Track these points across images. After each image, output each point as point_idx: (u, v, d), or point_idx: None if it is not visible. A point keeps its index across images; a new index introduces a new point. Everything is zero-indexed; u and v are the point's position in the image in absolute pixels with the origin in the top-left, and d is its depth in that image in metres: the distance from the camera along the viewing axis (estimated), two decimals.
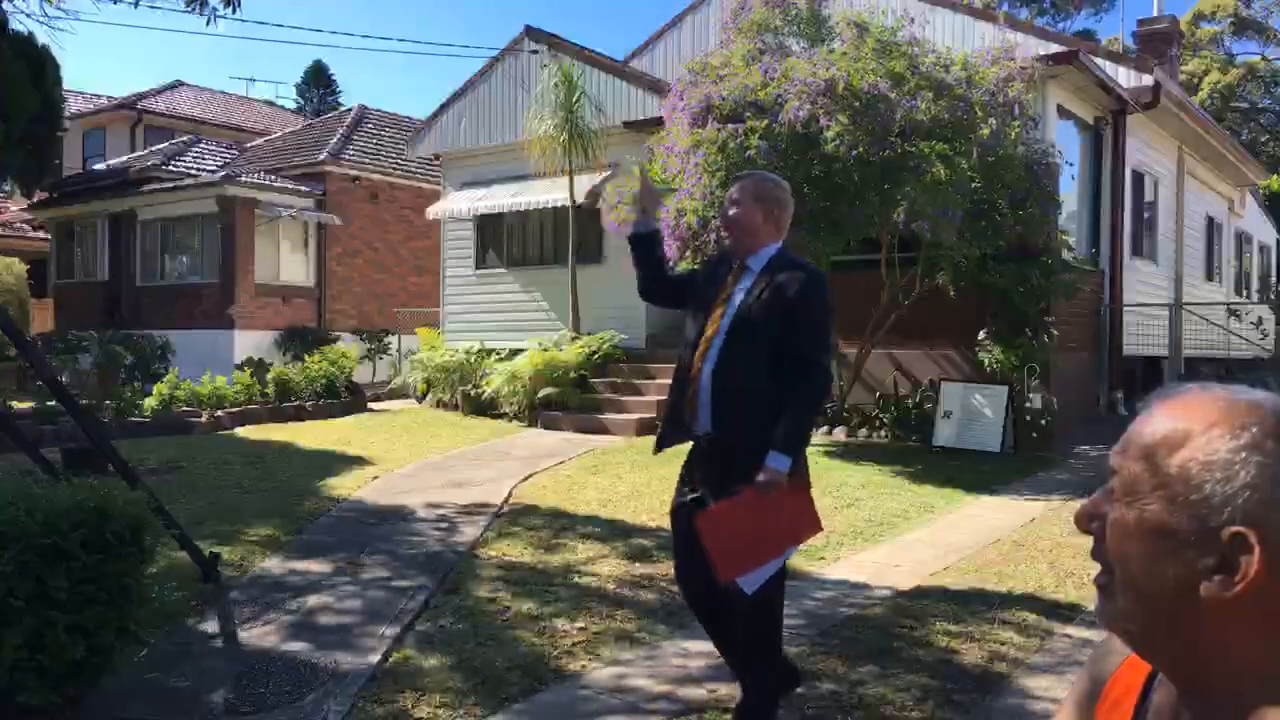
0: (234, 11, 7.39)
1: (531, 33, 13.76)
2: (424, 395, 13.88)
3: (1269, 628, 0.85)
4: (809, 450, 3.39)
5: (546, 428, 11.39)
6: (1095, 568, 0.95)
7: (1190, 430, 0.88)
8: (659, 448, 3.43)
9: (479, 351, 13.25)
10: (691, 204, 8.81)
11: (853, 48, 8.92)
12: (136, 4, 7.75)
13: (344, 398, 13.44)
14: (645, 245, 3.56)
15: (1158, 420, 0.91)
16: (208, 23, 7.35)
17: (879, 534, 6.33)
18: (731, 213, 3.29)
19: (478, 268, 14.74)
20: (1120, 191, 11.89)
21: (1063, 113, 10.92)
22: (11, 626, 3.08)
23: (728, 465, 3.14)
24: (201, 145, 20.24)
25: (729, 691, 3.68)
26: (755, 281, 3.22)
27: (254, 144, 21.52)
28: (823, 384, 3.16)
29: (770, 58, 9.15)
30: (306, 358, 14.44)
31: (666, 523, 6.52)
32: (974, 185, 8.51)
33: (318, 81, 40.92)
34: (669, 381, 13.15)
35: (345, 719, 3.49)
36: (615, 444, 10.04)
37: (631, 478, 8.03)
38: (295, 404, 12.74)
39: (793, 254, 3.36)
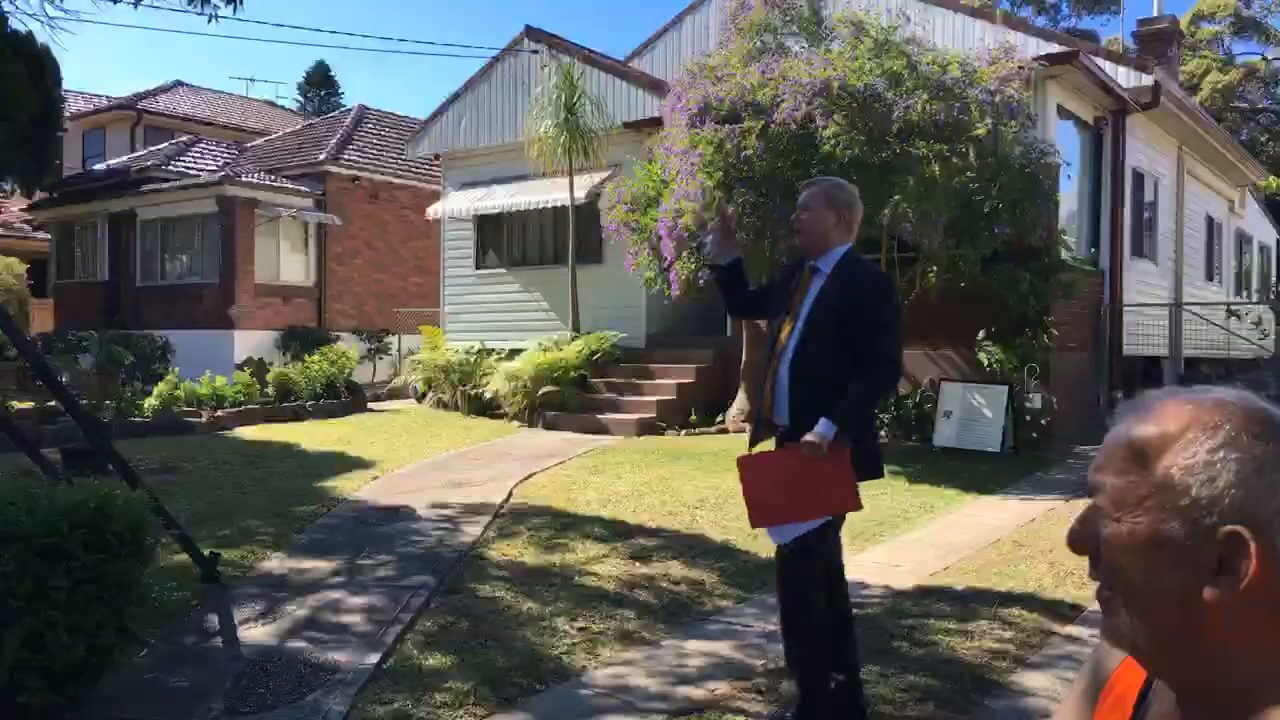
0: (235, 11, 7.39)
1: (531, 33, 13.76)
2: (424, 395, 13.88)
3: (1275, 624, 0.84)
4: None
5: (546, 428, 11.39)
6: None
7: (1166, 436, 0.88)
8: (752, 445, 3.61)
9: (479, 351, 13.25)
10: (689, 205, 8.80)
11: (850, 47, 8.92)
12: (137, 4, 7.75)
13: (344, 398, 13.44)
14: (729, 276, 3.71)
15: (1133, 431, 0.90)
16: (209, 20, 7.34)
17: (879, 534, 6.33)
18: (804, 217, 3.43)
19: (478, 268, 14.74)
20: (1120, 191, 11.88)
21: (1062, 113, 10.91)
22: (11, 626, 3.08)
23: None
24: (201, 145, 20.24)
25: (728, 691, 3.68)
26: (826, 282, 3.36)
27: (254, 144, 21.52)
28: (890, 374, 3.36)
29: (769, 58, 9.14)
30: (306, 358, 14.43)
31: (666, 523, 6.55)
32: (971, 186, 8.49)
33: (320, 82, 40.94)
34: (669, 381, 13.01)
35: (345, 719, 3.49)
36: (615, 444, 10.04)
37: (631, 478, 8.02)
38: (295, 404, 12.74)
39: (861, 256, 3.51)
